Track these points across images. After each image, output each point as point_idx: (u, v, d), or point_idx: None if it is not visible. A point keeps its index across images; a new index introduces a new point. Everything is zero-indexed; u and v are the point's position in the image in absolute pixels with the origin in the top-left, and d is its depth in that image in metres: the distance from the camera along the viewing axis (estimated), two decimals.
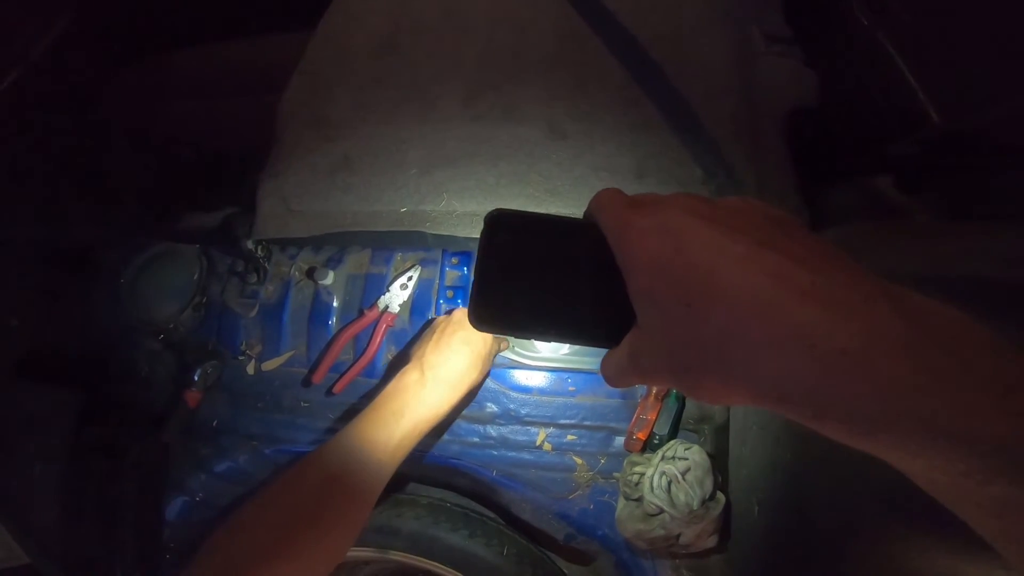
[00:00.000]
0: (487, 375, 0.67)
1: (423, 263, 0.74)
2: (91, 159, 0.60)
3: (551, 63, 0.74)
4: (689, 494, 0.69)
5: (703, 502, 0.69)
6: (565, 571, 0.89)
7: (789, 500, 0.58)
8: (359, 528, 0.54)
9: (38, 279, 0.67)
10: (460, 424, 0.74)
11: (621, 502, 0.74)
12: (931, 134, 0.51)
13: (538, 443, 0.74)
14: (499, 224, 0.29)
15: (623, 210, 0.26)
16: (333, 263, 0.73)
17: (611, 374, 0.28)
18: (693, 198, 0.26)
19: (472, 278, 0.29)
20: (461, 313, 0.64)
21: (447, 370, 0.60)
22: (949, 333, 0.21)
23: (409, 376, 0.59)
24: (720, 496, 0.70)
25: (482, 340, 0.62)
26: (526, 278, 0.28)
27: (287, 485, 0.52)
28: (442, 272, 0.74)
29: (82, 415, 0.65)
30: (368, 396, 0.74)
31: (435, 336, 0.62)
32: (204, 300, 0.72)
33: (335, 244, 0.75)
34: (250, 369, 0.73)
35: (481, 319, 0.28)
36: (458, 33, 0.78)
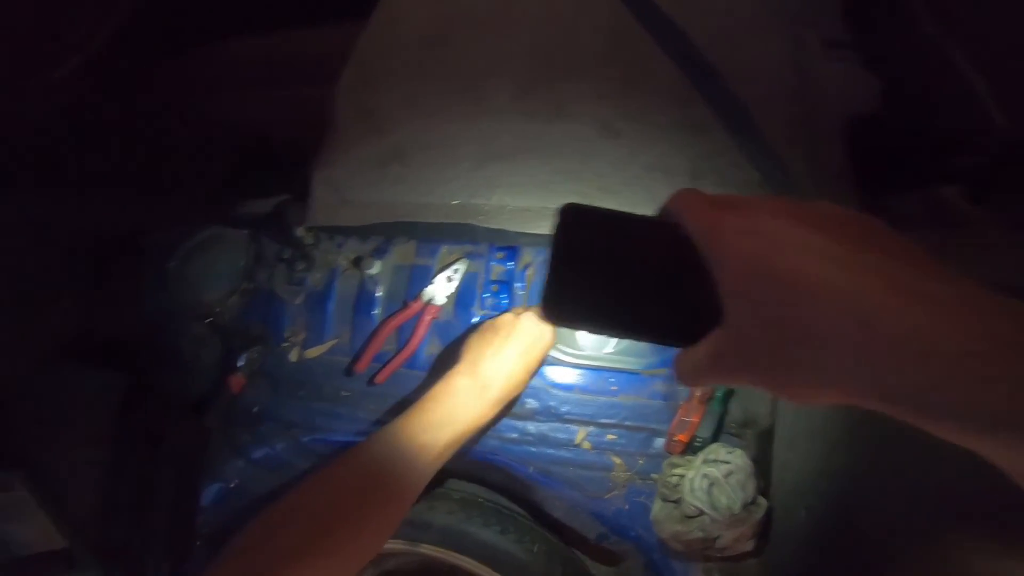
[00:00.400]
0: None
1: (469, 256, 0.74)
2: (149, 144, 0.60)
3: (601, 61, 0.74)
4: (731, 497, 0.69)
5: (745, 506, 0.69)
6: (592, 570, 0.89)
7: (840, 506, 0.58)
8: (393, 528, 0.54)
9: (88, 261, 0.67)
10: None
11: (658, 503, 0.74)
12: (1000, 144, 0.50)
13: (577, 441, 0.74)
14: (573, 217, 0.29)
15: (711, 210, 0.26)
16: (379, 253, 0.74)
17: (686, 372, 0.28)
18: (782, 200, 0.26)
19: (546, 270, 0.28)
20: (525, 320, 0.61)
21: (501, 382, 0.59)
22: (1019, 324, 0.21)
23: (460, 381, 0.58)
24: (762, 500, 0.70)
25: (540, 352, 0.61)
26: (602, 273, 0.28)
27: (327, 480, 0.52)
28: (488, 266, 0.74)
29: (126, 399, 0.65)
30: (411, 388, 0.74)
31: (496, 342, 0.60)
32: (251, 286, 0.72)
33: (381, 234, 0.75)
34: (293, 356, 0.73)
35: (554, 313, 0.28)
36: (507, 28, 0.78)
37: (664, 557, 0.77)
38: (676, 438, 0.72)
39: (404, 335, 0.73)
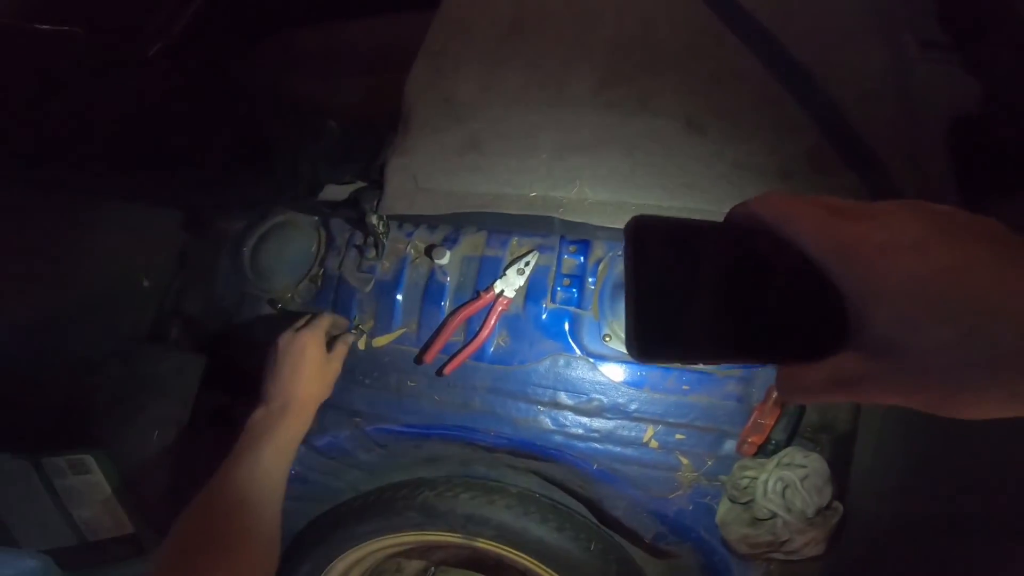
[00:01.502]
0: (332, 384, 0.69)
1: (540, 249, 0.73)
2: (233, 128, 0.60)
3: (685, 57, 0.72)
4: (806, 501, 0.68)
5: (819, 510, 0.68)
6: (645, 568, 0.89)
7: (932, 515, 0.57)
8: (267, 548, 0.57)
9: (169, 243, 0.66)
10: (566, 415, 0.73)
11: (725, 505, 0.73)
12: None
13: (645, 440, 0.73)
14: (646, 234, 0.24)
15: (835, 221, 0.24)
16: (449, 243, 0.72)
17: (796, 391, 0.26)
18: (919, 204, 0.24)
19: (626, 303, 0.24)
20: (282, 341, 0.65)
21: (291, 398, 0.63)
22: None
23: (256, 415, 0.63)
24: (837, 505, 0.68)
25: (310, 362, 0.65)
26: (688, 298, 0.24)
27: (179, 534, 0.55)
28: (559, 259, 0.73)
29: (203, 382, 0.64)
30: (478, 380, 0.73)
31: (273, 368, 0.64)
32: (321, 272, 0.71)
33: (451, 224, 0.73)
34: (360, 344, 0.73)
35: (647, 351, 0.24)
36: (584, 20, 0.77)
37: (724, 559, 0.77)
38: (749, 440, 0.71)
39: (473, 327, 0.72)
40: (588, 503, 0.84)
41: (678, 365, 0.24)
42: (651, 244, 0.24)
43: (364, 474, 0.86)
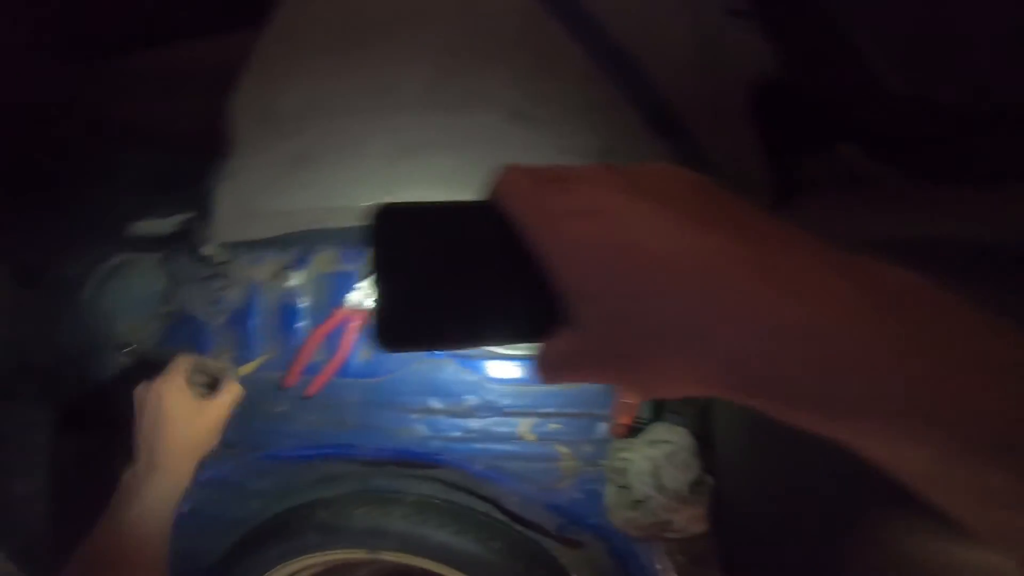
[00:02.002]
0: (215, 429, 0.66)
1: None
2: (48, 167, 0.58)
3: (511, 47, 0.72)
4: (676, 478, 0.68)
5: (691, 485, 0.68)
6: (560, 558, 0.88)
7: (777, 480, 0.57)
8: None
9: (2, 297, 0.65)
10: (439, 419, 0.73)
11: (610, 489, 0.73)
12: (895, 102, 0.49)
13: (520, 434, 0.73)
14: (389, 221, 0.24)
15: (535, 190, 0.23)
16: (299, 263, 0.72)
17: (543, 373, 0.26)
18: (612, 170, 0.23)
19: (373, 290, 0.24)
20: (140, 394, 0.63)
21: (150, 454, 0.61)
22: (908, 299, 0.19)
23: (125, 475, 0.61)
24: (708, 478, 0.69)
25: (171, 411, 0.62)
26: (432, 281, 0.24)
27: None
28: None
29: (60, 429, 0.63)
30: (347, 397, 0.72)
31: (134, 425, 0.63)
32: (169, 309, 0.70)
33: (302, 244, 0.73)
34: None
35: (391, 340, 0.24)
36: (418, 21, 0.76)
37: (625, 543, 0.77)
38: (619, 421, 0.71)
39: (333, 344, 0.72)
40: (492, 502, 0.84)
41: (430, 351, 0.24)
42: (395, 230, 0.24)
43: (266, 501, 0.85)
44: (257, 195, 0.67)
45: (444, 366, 0.73)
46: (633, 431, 0.72)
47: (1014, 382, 0.17)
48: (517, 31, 0.73)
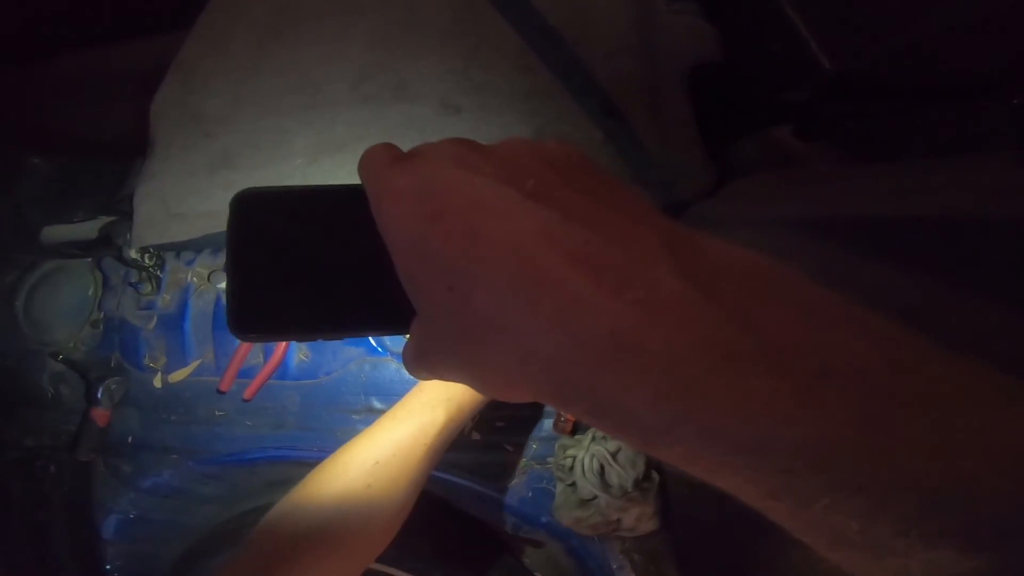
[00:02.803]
0: None
1: None
2: None
3: (445, 37, 0.69)
4: (622, 476, 0.66)
5: (636, 483, 0.66)
6: (525, 557, 0.87)
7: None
8: (406, 512, 0.51)
9: None
10: None
11: (559, 488, 0.71)
12: (822, 81, 0.47)
13: (465, 433, 0.71)
14: (249, 207, 0.23)
15: (384, 169, 0.21)
16: None
17: (408, 369, 0.24)
18: (462, 143, 0.21)
19: (227, 278, 0.23)
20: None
21: None
22: (750, 295, 0.16)
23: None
24: (654, 475, 0.66)
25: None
26: (291, 268, 0.23)
27: (330, 474, 0.49)
28: None
29: None
30: (288, 400, 0.71)
31: None
32: (101, 315, 0.69)
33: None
34: (157, 382, 0.70)
35: (244, 326, 0.23)
36: (346, 15, 0.73)
37: (580, 541, 0.75)
38: (563, 418, 0.69)
39: (269, 347, 0.70)
40: (442, 501, 0.82)
41: (285, 339, 0.23)
42: (255, 216, 0.23)
43: (217, 506, 0.84)
44: (178, 196, 0.65)
45: (385, 365, 0.71)
46: (579, 427, 0.70)
47: (855, 404, 0.14)
48: (451, 20, 0.70)
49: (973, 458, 0.14)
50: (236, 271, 0.23)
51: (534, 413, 0.71)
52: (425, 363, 0.22)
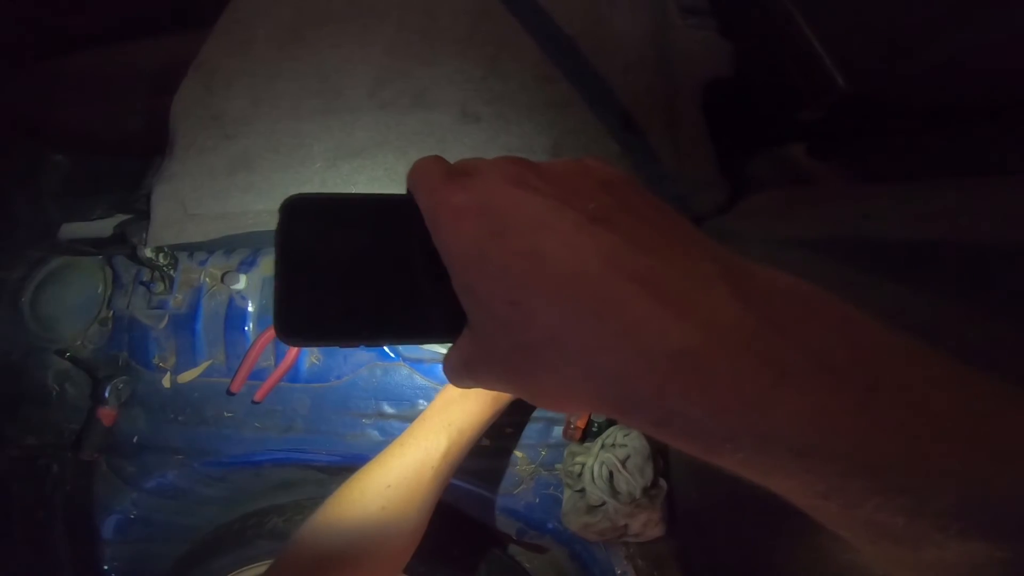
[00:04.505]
0: None
1: None
2: None
3: (464, 45, 0.70)
4: (631, 483, 0.67)
5: (645, 490, 0.67)
6: (526, 563, 0.88)
7: (722, 482, 0.56)
8: (420, 532, 0.54)
9: None
10: (392, 424, 0.72)
11: (567, 493, 0.72)
12: (838, 99, 0.48)
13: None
14: (299, 213, 0.24)
15: (439, 183, 0.22)
16: (246, 266, 0.70)
17: (449, 377, 0.24)
18: (516, 163, 0.22)
19: (275, 282, 0.23)
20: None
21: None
22: (798, 317, 0.17)
23: (451, 391, 0.60)
24: (662, 483, 0.67)
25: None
26: (339, 274, 0.23)
27: (347, 499, 0.51)
28: None
29: None
30: (298, 403, 0.71)
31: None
32: (110, 313, 0.68)
33: (248, 247, 0.71)
34: (165, 382, 0.70)
35: (291, 331, 0.23)
36: (366, 20, 0.74)
37: (585, 547, 0.76)
38: (573, 425, 0.70)
39: (282, 349, 0.70)
40: (449, 507, 0.82)
41: (331, 345, 0.23)
42: (304, 221, 0.24)
43: (219, 508, 0.84)
44: (196, 197, 0.65)
45: (396, 370, 0.71)
46: (589, 434, 0.70)
47: (900, 415, 0.16)
48: (470, 29, 0.71)
49: (1005, 462, 0.15)
50: (284, 275, 0.23)
51: (544, 420, 0.72)
52: (471, 372, 0.23)
